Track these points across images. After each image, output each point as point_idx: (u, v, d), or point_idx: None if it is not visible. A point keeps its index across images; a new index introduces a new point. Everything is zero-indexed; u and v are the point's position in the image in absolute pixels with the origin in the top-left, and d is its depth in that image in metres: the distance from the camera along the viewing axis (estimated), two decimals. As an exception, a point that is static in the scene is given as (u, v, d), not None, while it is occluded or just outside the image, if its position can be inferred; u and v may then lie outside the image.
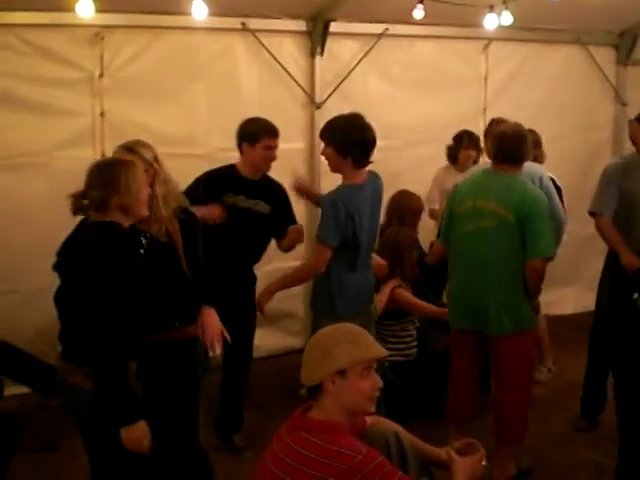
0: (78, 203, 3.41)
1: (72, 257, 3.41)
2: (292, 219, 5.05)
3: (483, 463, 3.03)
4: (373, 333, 4.35)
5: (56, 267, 3.60)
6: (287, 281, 4.65)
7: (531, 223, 4.31)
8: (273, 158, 4.77)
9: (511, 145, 4.46)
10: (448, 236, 4.71)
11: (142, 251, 3.71)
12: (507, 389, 4.51)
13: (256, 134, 4.69)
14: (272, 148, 4.73)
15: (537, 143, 5.78)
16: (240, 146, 4.76)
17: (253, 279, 5.04)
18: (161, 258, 3.72)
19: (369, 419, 3.13)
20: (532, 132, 5.70)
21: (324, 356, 2.80)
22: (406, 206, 5.82)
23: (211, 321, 3.86)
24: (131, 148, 3.80)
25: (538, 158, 5.80)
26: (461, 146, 6.23)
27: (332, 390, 2.79)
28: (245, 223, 4.76)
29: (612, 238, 5.02)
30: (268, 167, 4.81)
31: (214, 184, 4.74)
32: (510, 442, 4.57)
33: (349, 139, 4.23)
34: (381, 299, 5.15)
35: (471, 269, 4.49)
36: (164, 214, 3.71)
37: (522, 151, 4.50)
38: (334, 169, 4.41)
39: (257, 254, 5.01)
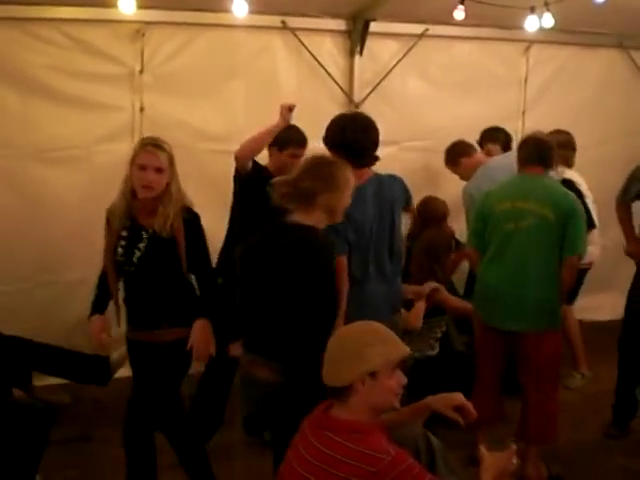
0: (285, 190, 3.55)
1: (278, 257, 3.49)
2: None
3: (514, 460, 2.98)
4: None
5: (254, 265, 3.62)
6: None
7: (571, 222, 4.40)
8: (296, 166, 4.82)
9: (546, 149, 4.59)
10: (480, 240, 4.72)
11: (142, 246, 3.86)
12: (539, 387, 4.53)
13: (286, 142, 4.81)
14: (297, 157, 4.80)
15: (571, 145, 5.81)
16: (270, 149, 4.88)
17: None
18: (161, 254, 3.85)
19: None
20: (567, 133, 5.74)
21: (356, 357, 2.78)
22: (431, 210, 5.82)
23: (200, 337, 3.85)
24: (159, 145, 3.85)
25: (569, 160, 5.80)
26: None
27: (362, 390, 2.78)
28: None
29: (624, 223, 5.27)
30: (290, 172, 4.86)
31: (261, 171, 4.78)
32: (542, 441, 4.58)
33: (330, 138, 4.22)
34: (417, 314, 5.10)
35: (511, 268, 4.51)
36: (171, 210, 3.83)
37: (552, 157, 4.65)
38: None
39: None
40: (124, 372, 5.68)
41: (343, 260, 4.12)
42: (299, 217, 3.57)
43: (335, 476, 2.64)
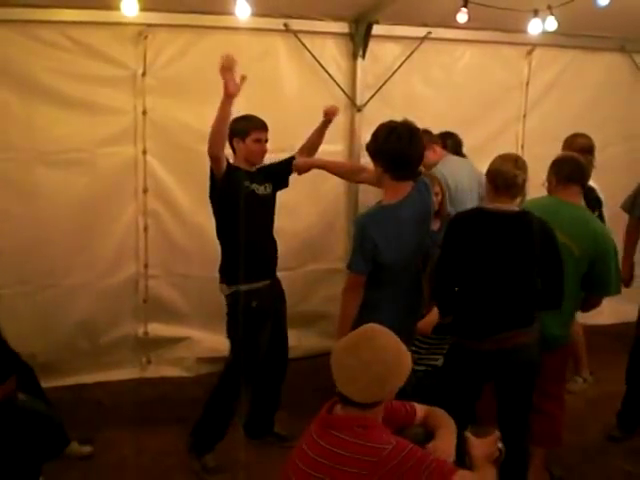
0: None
1: (533, 241, 3.96)
2: (289, 159, 5.03)
3: (499, 445, 3.08)
4: None
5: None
6: (342, 322, 4.15)
7: (602, 262, 4.32)
8: (264, 150, 4.82)
9: (584, 169, 4.55)
10: None
11: None
12: (550, 398, 4.53)
13: (245, 128, 4.75)
14: (261, 141, 4.79)
15: (592, 149, 5.73)
16: (231, 143, 4.79)
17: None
18: None
19: (421, 411, 3.18)
20: (587, 137, 5.67)
21: (399, 365, 2.78)
22: None
23: None
24: None
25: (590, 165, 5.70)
26: None
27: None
28: (264, 209, 4.81)
29: (627, 241, 5.31)
30: (260, 159, 4.85)
31: (237, 170, 4.75)
32: (552, 445, 4.62)
33: (376, 146, 4.11)
34: (431, 320, 4.88)
35: None
36: None
37: (589, 176, 4.68)
38: (377, 182, 4.27)
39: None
40: (126, 374, 5.76)
41: (355, 278, 4.12)
42: (506, 205, 3.95)
43: (345, 472, 2.66)
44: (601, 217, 5.39)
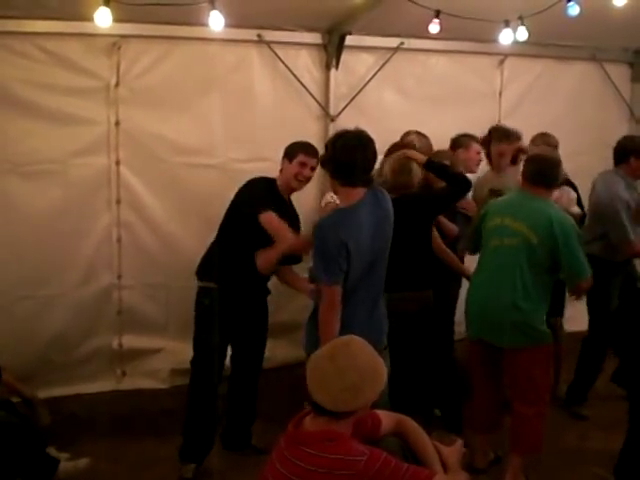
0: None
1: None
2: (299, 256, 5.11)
3: (463, 450, 3.27)
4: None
5: None
6: (322, 336, 3.91)
7: (564, 249, 4.44)
8: (305, 175, 4.82)
9: (550, 168, 4.65)
10: (477, 249, 4.87)
11: None
12: (525, 401, 4.58)
13: (294, 150, 4.81)
14: (306, 165, 4.79)
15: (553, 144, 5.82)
16: (282, 161, 4.88)
17: (266, 292, 5.07)
18: None
19: (387, 419, 3.20)
20: (549, 135, 5.71)
21: (373, 377, 2.79)
22: None
23: None
24: None
25: None
26: (490, 142, 6.04)
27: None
28: (268, 237, 4.76)
29: None
30: (298, 184, 4.86)
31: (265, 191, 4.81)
32: (529, 450, 4.64)
33: (327, 154, 4.11)
34: None
35: (492, 282, 4.60)
36: None
37: (557, 176, 4.70)
38: (331, 187, 4.29)
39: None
40: (101, 387, 5.71)
41: (329, 290, 3.92)
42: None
43: None
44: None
